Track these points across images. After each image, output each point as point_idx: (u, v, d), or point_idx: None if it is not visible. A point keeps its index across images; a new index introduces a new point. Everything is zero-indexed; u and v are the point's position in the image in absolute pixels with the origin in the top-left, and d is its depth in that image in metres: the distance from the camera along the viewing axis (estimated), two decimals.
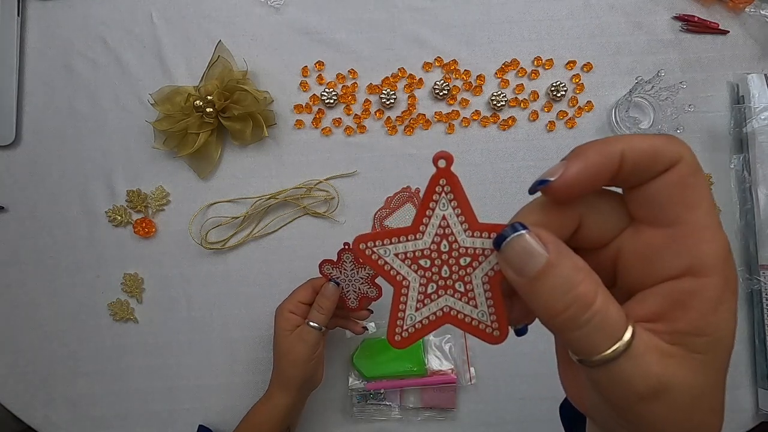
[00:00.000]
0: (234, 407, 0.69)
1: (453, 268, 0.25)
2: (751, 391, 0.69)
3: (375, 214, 0.71)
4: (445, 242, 0.25)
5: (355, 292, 0.60)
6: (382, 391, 0.68)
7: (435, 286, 0.26)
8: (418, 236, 0.25)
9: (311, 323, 0.57)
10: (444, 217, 0.25)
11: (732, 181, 0.70)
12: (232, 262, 0.71)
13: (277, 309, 0.60)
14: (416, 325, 0.26)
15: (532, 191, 0.24)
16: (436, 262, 0.25)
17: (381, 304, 0.60)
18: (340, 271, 0.59)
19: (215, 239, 0.71)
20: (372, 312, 0.62)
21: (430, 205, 0.25)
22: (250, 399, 0.61)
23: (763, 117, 0.67)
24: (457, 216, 0.25)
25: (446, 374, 0.68)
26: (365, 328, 0.63)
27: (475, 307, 0.25)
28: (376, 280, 0.59)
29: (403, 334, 0.26)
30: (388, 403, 0.69)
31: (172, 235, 0.71)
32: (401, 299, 0.26)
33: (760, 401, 0.68)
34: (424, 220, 0.25)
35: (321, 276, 0.60)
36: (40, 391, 0.71)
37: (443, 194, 0.25)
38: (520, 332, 0.26)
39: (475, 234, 0.25)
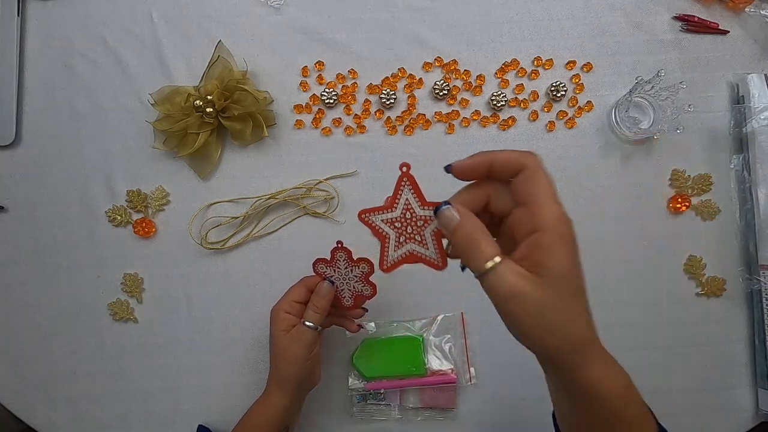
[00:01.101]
0: (234, 407, 0.69)
1: (414, 228, 0.43)
2: (751, 391, 0.69)
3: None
4: (408, 213, 0.43)
5: (349, 290, 0.59)
6: (382, 391, 0.68)
7: (404, 238, 0.44)
8: (393, 210, 0.44)
9: (307, 323, 0.57)
10: (407, 200, 0.43)
11: (732, 181, 0.70)
12: (232, 262, 0.71)
13: (272, 309, 0.60)
14: (395, 260, 0.45)
15: (445, 170, 0.39)
16: (404, 224, 0.44)
17: (378, 303, 0.60)
18: (334, 270, 0.59)
19: (215, 239, 0.71)
20: (367, 310, 0.62)
21: (399, 192, 0.43)
22: (250, 399, 0.61)
23: (763, 117, 0.67)
24: (414, 198, 0.43)
25: (446, 374, 0.68)
26: (361, 326, 0.63)
27: (427, 249, 0.43)
28: (370, 278, 0.59)
29: (387, 265, 0.45)
30: (388, 403, 0.69)
31: (172, 235, 0.71)
32: (386, 245, 0.45)
33: (760, 401, 0.68)
34: (396, 201, 0.43)
35: (314, 275, 0.60)
36: (40, 391, 0.71)
37: (405, 186, 0.43)
38: (463, 269, 0.39)
39: (424, 208, 0.42)
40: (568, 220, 0.36)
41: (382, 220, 0.44)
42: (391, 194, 0.44)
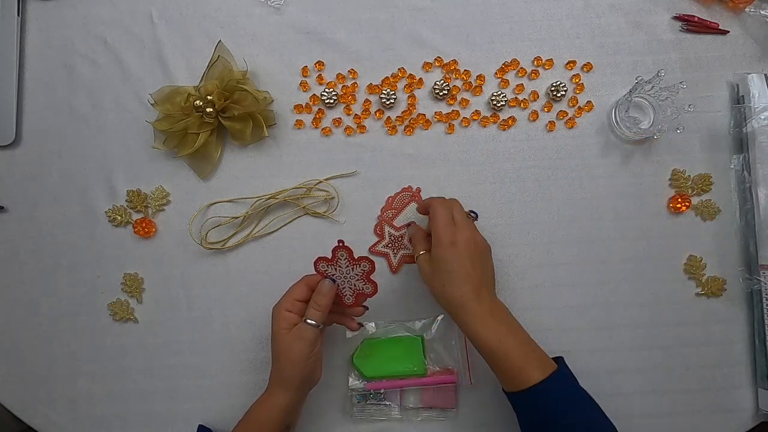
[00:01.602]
0: (234, 407, 0.69)
1: (399, 241, 0.70)
2: (751, 391, 0.69)
3: (380, 215, 0.71)
4: (391, 237, 0.70)
5: (350, 288, 0.60)
6: (382, 391, 0.68)
7: (396, 249, 0.70)
8: (384, 240, 0.70)
9: (309, 321, 0.57)
10: (388, 231, 0.70)
11: (732, 181, 0.70)
12: (232, 262, 0.71)
13: (274, 308, 0.60)
14: (397, 261, 0.70)
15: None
16: (393, 242, 0.70)
17: (378, 303, 0.60)
18: (336, 269, 0.59)
19: (215, 239, 0.71)
20: (367, 308, 0.62)
21: (383, 231, 0.71)
22: (250, 399, 0.61)
23: (763, 117, 0.67)
24: (391, 228, 0.70)
25: (446, 374, 0.68)
26: (361, 325, 0.63)
27: (410, 250, 0.68)
28: (371, 276, 0.59)
29: (394, 266, 0.70)
30: (388, 403, 0.69)
31: (172, 235, 0.71)
32: (390, 257, 0.70)
33: (760, 401, 0.68)
34: (383, 235, 0.70)
35: (315, 273, 0.60)
36: (40, 391, 0.71)
37: (386, 227, 0.71)
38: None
39: (399, 230, 0.70)
40: (453, 235, 0.58)
41: (382, 246, 0.70)
42: (391, 194, 0.70)
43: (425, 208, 0.62)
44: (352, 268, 0.59)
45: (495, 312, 0.58)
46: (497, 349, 0.56)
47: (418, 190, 0.71)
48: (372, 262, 0.59)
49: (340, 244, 0.58)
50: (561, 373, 0.57)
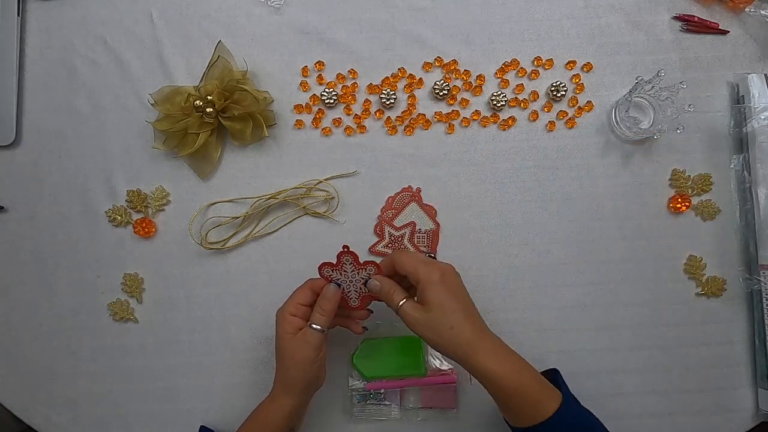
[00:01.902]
0: (234, 407, 0.69)
1: (403, 244, 0.70)
2: (751, 391, 0.69)
3: (381, 215, 0.71)
4: (391, 238, 0.71)
5: (356, 291, 0.60)
6: (382, 391, 0.68)
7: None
8: (383, 239, 0.71)
9: (314, 326, 0.57)
10: (388, 232, 0.70)
11: (732, 181, 0.70)
12: (232, 262, 0.71)
13: (278, 312, 0.60)
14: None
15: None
16: (396, 244, 0.71)
17: (378, 303, 0.60)
18: (341, 273, 0.59)
19: (215, 239, 0.71)
20: (372, 312, 0.62)
21: (382, 231, 0.71)
22: (251, 399, 0.61)
23: (763, 117, 0.67)
24: (391, 228, 0.71)
25: (446, 374, 0.68)
26: (365, 329, 0.63)
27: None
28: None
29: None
30: (388, 403, 0.69)
31: (172, 235, 0.71)
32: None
33: (760, 401, 0.68)
34: (383, 235, 0.71)
35: (319, 278, 0.60)
36: (40, 391, 0.71)
37: (386, 228, 0.71)
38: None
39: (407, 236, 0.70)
40: (440, 270, 0.55)
41: (382, 246, 0.71)
42: (392, 194, 0.70)
43: (390, 266, 0.58)
44: (358, 273, 0.58)
45: (499, 343, 0.55)
46: (518, 383, 0.53)
47: (418, 190, 0.71)
48: (378, 266, 0.58)
49: (345, 250, 0.57)
50: (567, 397, 0.54)
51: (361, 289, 0.60)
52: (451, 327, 0.53)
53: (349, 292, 0.60)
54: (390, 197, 0.71)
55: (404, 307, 0.55)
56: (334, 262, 0.58)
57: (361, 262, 0.58)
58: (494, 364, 0.52)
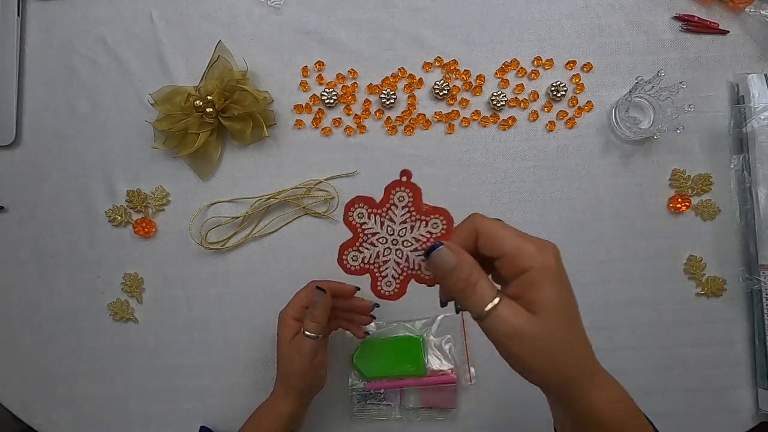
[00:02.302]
0: (234, 407, 0.69)
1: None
2: (751, 391, 0.69)
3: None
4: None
5: (398, 266, 0.41)
6: (382, 391, 0.68)
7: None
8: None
9: (307, 333, 0.56)
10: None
11: (732, 181, 0.70)
12: (232, 262, 0.71)
13: (280, 314, 0.59)
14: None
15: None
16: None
17: (380, 307, 0.60)
18: (379, 220, 0.41)
19: (215, 239, 0.71)
20: (375, 318, 0.62)
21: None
22: (251, 399, 0.61)
23: (763, 117, 0.67)
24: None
25: (446, 374, 0.68)
26: (367, 333, 0.62)
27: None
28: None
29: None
30: (388, 403, 0.69)
31: (172, 235, 0.71)
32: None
33: (760, 401, 0.68)
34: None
35: (321, 280, 0.59)
36: (40, 391, 0.71)
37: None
38: (459, 310, 0.40)
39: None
40: (555, 254, 0.37)
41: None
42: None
43: (469, 237, 0.38)
44: (412, 225, 0.39)
45: (604, 370, 0.40)
46: (623, 418, 0.38)
47: (409, 175, 0.70)
48: (448, 229, 0.39)
49: (405, 175, 0.38)
50: None
51: (411, 263, 0.39)
52: (569, 346, 0.36)
53: (384, 265, 0.40)
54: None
55: (500, 311, 0.35)
56: (374, 199, 0.39)
57: (425, 207, 0.39)
58: (608, 403, 0.37)
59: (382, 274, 0.41)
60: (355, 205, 0.40)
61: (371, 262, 0.41)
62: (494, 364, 0.69)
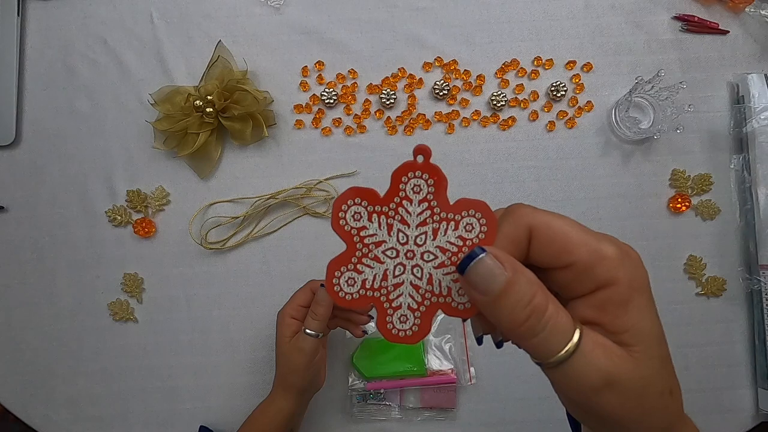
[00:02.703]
0: (234, 407, 0.69)
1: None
2: (751, 391, 0.69)
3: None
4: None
5: (417, 291, 0.29)
6: (382, 391, 0.68)
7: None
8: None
9: (307, 330, 0.57)
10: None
11: (732, 181, 0.70)
12: (232, 262, 0.71)
13: (279, 313, 0.59)
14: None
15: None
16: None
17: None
18: (385, 224, 0.32)
19: (215, 239, 0.71)
20: (372, 318, 0.62)
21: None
22: (251, 399, 0.61)
23: (763, 117, 0.67)
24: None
25: (446, 374, 0.68)
26: (365, 332, 0.62)
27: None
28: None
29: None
30: (388, 403, 0.69)
31: (172, 235, 0.71)
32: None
33: (760, 401, 0.68)
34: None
35: (320, 279, 0.59)
36: (40, 391, 0.71)
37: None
38: (479, 340, 0.29)
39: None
40: (640, 260, 0.26)
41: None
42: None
43: (520, 237, 0.27)
44: (436, 232, 0.28)
45: None
46: None
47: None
48: (490, 226, 0.27)
49: (421, 155, 0.27)
50: None
51: (437, 285, 0.28)
52: (669, 388, 0.27)
53: (396, 290, 0.28)
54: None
55: (586, 351, 0.24)
56: (377, 191, 0.28)
57: (452, 203, 0.28)
58: None
59: (393, 304, 0.28)
60: (350, 202, 0.27)
61: (376, 286, 0.28)
62: (494, 364, 0.69)
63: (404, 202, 0.27)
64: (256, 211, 0.71)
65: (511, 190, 0.71)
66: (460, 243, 0.27)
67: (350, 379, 0.68)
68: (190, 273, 0.71)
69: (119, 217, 0.71)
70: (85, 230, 0.71)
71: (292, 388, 0.58)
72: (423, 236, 0.27)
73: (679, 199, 0.70)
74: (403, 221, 0.27)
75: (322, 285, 0.57)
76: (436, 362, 0.68)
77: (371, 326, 0.69)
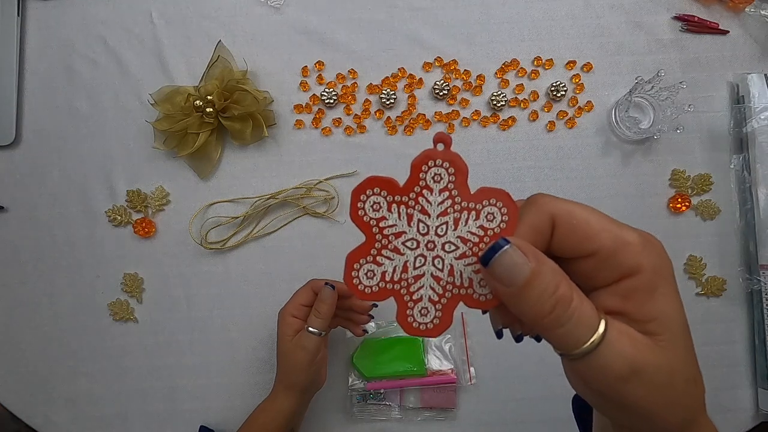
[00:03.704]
0: (234, 407, 0.69)
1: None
2: (751, 391, 0.69)
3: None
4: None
5: (439, 282, 0.28)
6: (382, 391, 0.68)
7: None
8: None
9: (310, 329, 0.57)
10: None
11: (732, 181, 0.70)
12: (232, 262, 0.71)
13: (279, 312, 0.60)
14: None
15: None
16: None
17: (380, 306, 0.60)
18: (405, 214, 0.28)
19: (215, 239, 0.71)
20: (373, 317, 0.62)
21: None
22: (251, 399, 0.61)
23: (763, 117, 0.67)
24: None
25: (446, 374, 0.68)
26: (365, 331, 0.62)
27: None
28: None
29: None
30: (388, 403, 0.69)
31: (172, 235, 0.71)
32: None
33: (760, 401, 0.68)
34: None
35: (321, 279, 0.59)
36: (40, 391, 0.71)
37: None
38: (499, 334, 0.29)
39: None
40: (663, 248, 0.26)
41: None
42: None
43: (542, 226, 0.27)
44: (457, 221, 0.27)
45: None
46: None
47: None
48: (510, 199, 0.28)
49: (442, 141, 0.27)
50: None
51: (458, 277, 0.27)
52: (694, 376, 0.27)
53: (416, 282, 0.28)
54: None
55: (612, 341, 0.24)
56: (396, 180, 0.28)
57: (473, 192, 0.27)
58: None
59: (414, 296, 0.27)
60: (368, 192, 0.27)
61: (396, 278, 0.27)
62: (494, 364, 0.69)
63: (424, 191, 0.27)
64: (256, 211, 0.71)
65: (511, 190, 0.70)
66: (482, 233, 0.27)
67: (350, 379, 0.68)
68: (190, 273, 0.71)
69: (119, 217, 0.71)
70: (85, 230, 0.71)
71: (293, 387, 0.58)
72: (444, 226, 0.27)
73: (679, 199, 0.70)
74: (423, 211, 0.27)
75: (326, 283, 0.58)
76: (436, 362, 0.68)
77: (371, 326, 0.69)
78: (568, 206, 0.27)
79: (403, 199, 0.27)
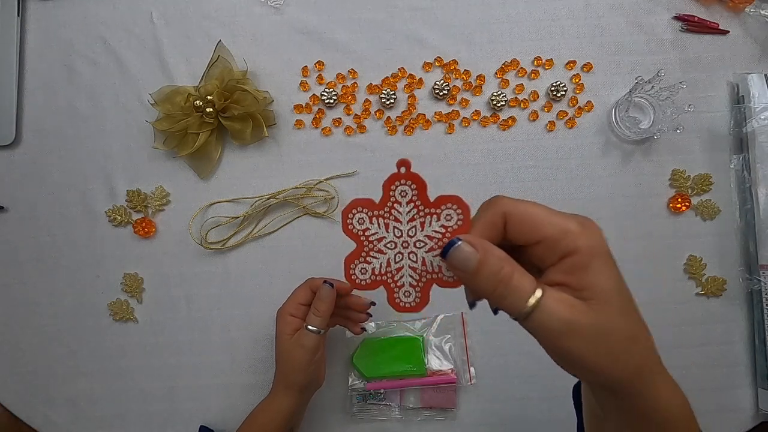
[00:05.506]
0: (234, 407, 0.69)
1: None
2: (751, 391, 0.69)
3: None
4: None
5: (415, 272, 0.36)
6: (382, 391, 0.68)
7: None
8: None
9: (309, 327, 0.57)
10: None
11: (732, 181, 0.70)
12: (232, 262, 0.71)
13: (278, 312, 0.60)
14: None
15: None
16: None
17: (378, 303, 0.60)
18: (383, 223, 0.38)
19: (215, 239, 0.71)
20: (371, 315, 0.62)
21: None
22: (250, 399, 0.61)
23: (763, 117, 0.67)
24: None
25: (446, 374, 0.68)
26: (364, 329, 0.63)
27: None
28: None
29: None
30: (388, 403, 0.69)
31: (172, 235, 0.71)
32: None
33: (760, 401, 0.68)
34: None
35: (318, 278, 0.59)
36: (40, 391, 0.71)
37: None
38: (496, 311, 0.33)
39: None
40: (599, 230, 0.31)
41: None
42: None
43: (495, 223, 0.32)
44: (422, 222, 0.34)
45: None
46: (683, 417, 0.36)
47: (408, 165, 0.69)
48: (464, 220, 0.34)
49: (403, 166, 0.34)
50: None
51: (429, 265, 0.35)
52: (631, 333, 0.32)
53: (398, 273, 0.35)
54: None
55: (547, 304, 0.30)
56: (373, 199, 0.35)
57: (432, 200, 0.34)
58: (672, 399, 0.35)
59: (398, 283, 0.35)
60: (353, 211, 0.35)
61: (383, 272, 0.35)
62: (494, 364, 0.70)
63: (395, 205, 0.34)
64: (256, 211, 0.71)
65: (511, 190, 0.71)
66: (443, 230, 0.34)
67: (350, 379, 0.68)
68: (190, 273, 0.71)
69: (119, 217, 0.71)
70: (85, 230, 0.71)
71: (293, 386, 0.58)
72: (413, 229, 0.35)
73: (679, 199, 0.70)
74: (396, 220, 0.35)
75: (325, 282, 0.58)
76: (436, 362, 0.68)
77: (371, 326, 0.69)
78: (518, 204, 0.33)
79: (381, 212, 0.35)
